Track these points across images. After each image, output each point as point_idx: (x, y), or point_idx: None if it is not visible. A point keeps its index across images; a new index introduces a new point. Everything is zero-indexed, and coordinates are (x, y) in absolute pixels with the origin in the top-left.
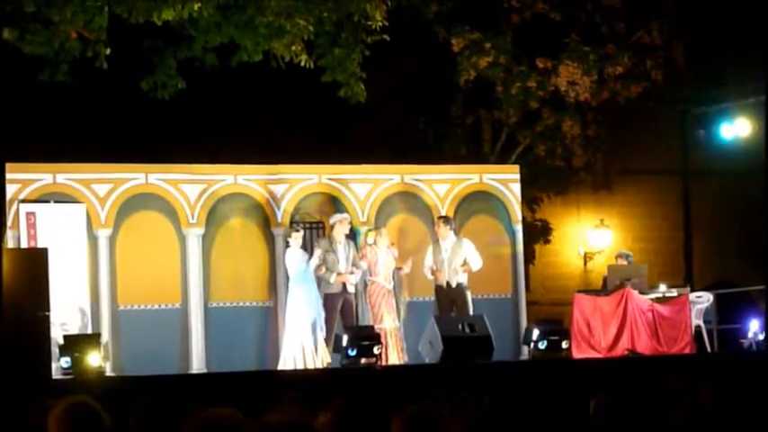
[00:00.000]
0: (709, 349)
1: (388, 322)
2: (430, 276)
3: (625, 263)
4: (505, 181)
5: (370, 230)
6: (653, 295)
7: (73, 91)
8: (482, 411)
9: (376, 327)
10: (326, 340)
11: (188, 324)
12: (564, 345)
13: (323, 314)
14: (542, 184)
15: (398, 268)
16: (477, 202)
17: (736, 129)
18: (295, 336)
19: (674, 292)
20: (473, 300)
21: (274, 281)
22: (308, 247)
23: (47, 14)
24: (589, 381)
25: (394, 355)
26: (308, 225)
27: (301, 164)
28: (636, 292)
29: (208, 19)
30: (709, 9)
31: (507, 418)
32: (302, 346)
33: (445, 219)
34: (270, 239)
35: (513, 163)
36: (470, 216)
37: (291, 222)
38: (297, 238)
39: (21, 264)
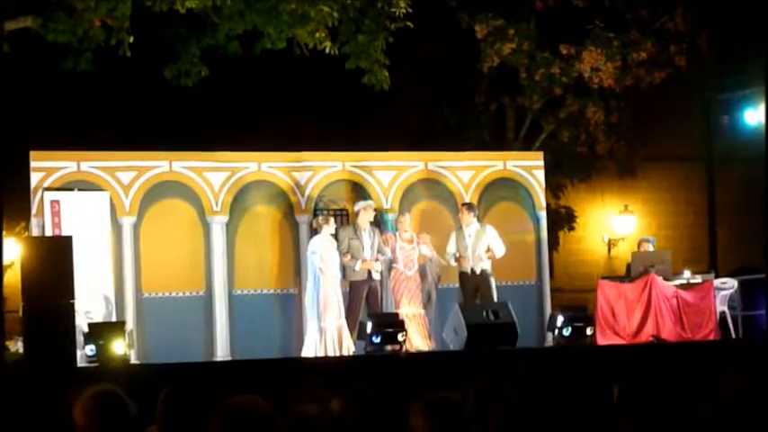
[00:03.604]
0: (733, 335)
1: (406, 308)
2: (453, 263)
3: (649, 248)
4: (529, 168)
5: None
6: (677, 282)
7: (96, 79)
8: (511, 399)
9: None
10: (351, 327)
11: (212, 311)
12: (588, 331)
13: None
14: (566, 171)
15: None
16: (501, 189)
17: (760, 114)
18: (320, 323)
19: (699, 279)
20: (497, 286)
21: (298, 268)
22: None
23: (70, 2)
24: (613, 367)
25: (421, 343)
26: (332, 212)
27: (325, 151)
28: (660, 279)
29: (231, 6)
30: None
31: (532, 405)
32: (329, 333)
33: (469, 206)
34: (294, 227)
35: (537, 149)
36: (494, 203)
37: (315, 209)
38: (330, 226)
39: (45, 252)
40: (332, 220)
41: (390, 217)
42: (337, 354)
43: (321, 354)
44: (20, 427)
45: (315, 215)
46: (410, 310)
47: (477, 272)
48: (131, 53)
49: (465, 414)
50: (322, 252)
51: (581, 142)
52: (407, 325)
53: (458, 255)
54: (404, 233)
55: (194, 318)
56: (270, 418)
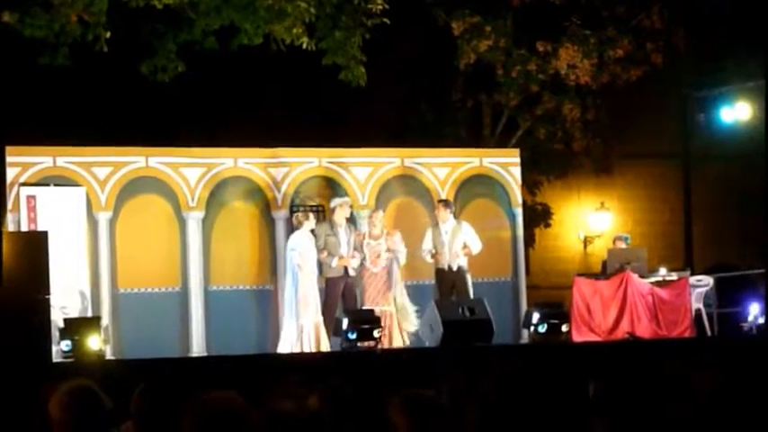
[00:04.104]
0: (709, 333)
1: (374, 306)
2: (429, 260)
3: (623, 245)
4: (506, 164)
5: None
6: (653, 279)
7: (73, 74)
8: (486, 396)
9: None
10: (327, 324)
11: (188, 307)
12: (564, 328)
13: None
14: (542, 168)
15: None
16: (478, 186)
17: (736, 112)
18: (297, 320)
19: (674, 276)
20: (473, 283)
21: (274, 264)
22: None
23: None
24: (589, 364)
25: (393, 341)
26: (308, 208)
27: (301, 147)
28: (636, 276)
29: (208, 2)
30: None
31: (508, 402)
32: (305, 329)
33: (445, 202)
34: (270, 223)
35: (514, 146)
36: (471, 200)
37: (292, 206)
38: (310, 222)
39: (21, 247)
40: (312, 216)
41: (364, 213)
42: (314, 350)
43: (298, 350)
44: None
45: (291, 211)
46: (379, 308)
47: (454, 268)
48: (108, 48)
49: (443, 411)
50: (301, 249)
51: (557, 139)
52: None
53: (434, 251)
54: (373, 229)
55: (170, 314)
56: (245, 414)
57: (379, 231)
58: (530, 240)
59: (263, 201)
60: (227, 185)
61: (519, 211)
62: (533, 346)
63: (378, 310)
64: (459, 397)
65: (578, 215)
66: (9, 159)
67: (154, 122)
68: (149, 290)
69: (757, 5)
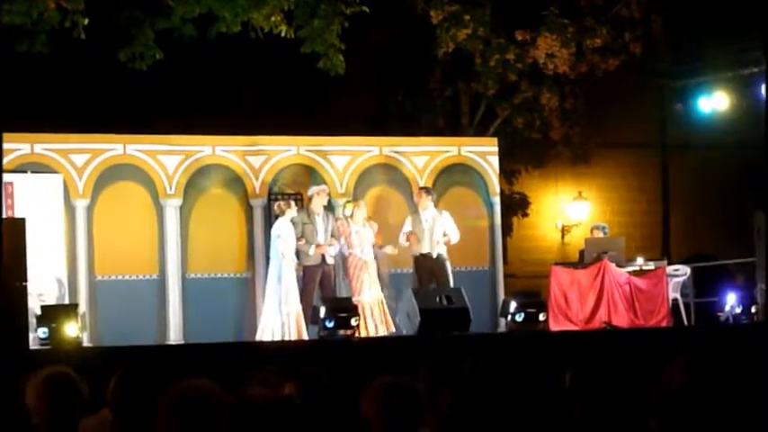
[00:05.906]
0: (686, 322)
1: (368, 294)
2: (404, 243)
3: (601, 235)
4: (484, 153)
5: (348, 202)
6: (630, 268)
7: (51, 61)
8: (462, 384)
9: (355, 299)
10: (305, 312)
11: (165, 295)
12: (541, 317)
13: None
14: (520, 157)
15: (380, 246)
16: (456, 175)
17: (713, 102)
18: (279, 307)
19: (652, 266)
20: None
21: (252, 252)
22: None
23: None
24: (566, 353)
25: (381, 328)
26: (286, 196)
27: (280, 135)
28: (613, 265)
29: None
30: None
31: (484, 390)
32: (289, 318)
33: (426, 190)
34: (248, 211)
35: (492, 135)
36: (448, 188)
37: (270, 194)
38: (292, 210)
39: None
40: (293, 203)
41: (342, 202)
42: (294, 338)
43: (275, 338)
44: None
45: (269, 199)
46: (372, 296)
47: (434, 256)
48: (86, 36)
49: (417, 398)
50: (285, 236)
51: (535, 128)
52: (372, 311)
53: (409, 233)
54: (356, 217)
55: (147, 301)
56: (221, 402)
57: (361, 221)
58: (507, 229)
59: (241, 189)
60: (205, 173)
61: (497, 200)
62: (510, 335)
63: (373, 299)
64: (435, 385)
65: (556, 204)
66: None
67: (132, 110)
68: (127, 277)
69: None
